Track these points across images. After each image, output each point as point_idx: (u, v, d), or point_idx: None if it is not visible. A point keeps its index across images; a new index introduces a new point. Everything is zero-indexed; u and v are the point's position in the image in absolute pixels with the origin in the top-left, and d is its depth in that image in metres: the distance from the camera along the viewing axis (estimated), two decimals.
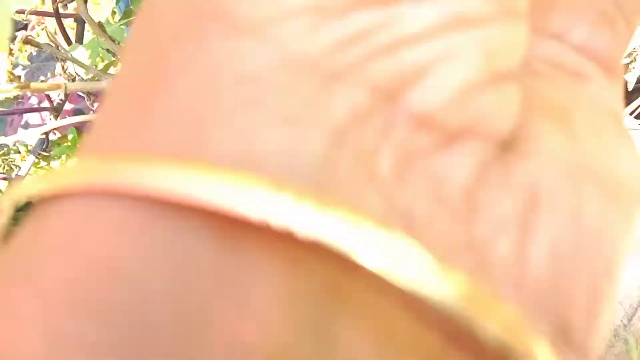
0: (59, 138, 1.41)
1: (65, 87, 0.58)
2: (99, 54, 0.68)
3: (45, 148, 1.05)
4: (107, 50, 0.65)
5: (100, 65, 0.68)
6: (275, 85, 0.08)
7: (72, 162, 0.09)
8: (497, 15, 0.09)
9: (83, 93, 1.27)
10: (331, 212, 0.07)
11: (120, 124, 0.09)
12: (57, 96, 1.14)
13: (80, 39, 0.97)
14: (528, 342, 0.08)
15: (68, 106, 1.23)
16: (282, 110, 0.08)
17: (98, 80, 0.55)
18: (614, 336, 0.64)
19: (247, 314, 0.07)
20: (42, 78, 1.08)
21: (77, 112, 1.24)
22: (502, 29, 0.09)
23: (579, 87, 0.10)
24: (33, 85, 0.51)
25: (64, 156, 1.33)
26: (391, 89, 0.08)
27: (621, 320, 0.65)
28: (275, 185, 0.07)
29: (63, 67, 0.60)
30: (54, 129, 1.00)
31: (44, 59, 1.09)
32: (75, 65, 0.63)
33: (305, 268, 0.08)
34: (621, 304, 0.66)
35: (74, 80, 0.66)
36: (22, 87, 0.49)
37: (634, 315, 0.65)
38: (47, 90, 0.56)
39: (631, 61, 0.76)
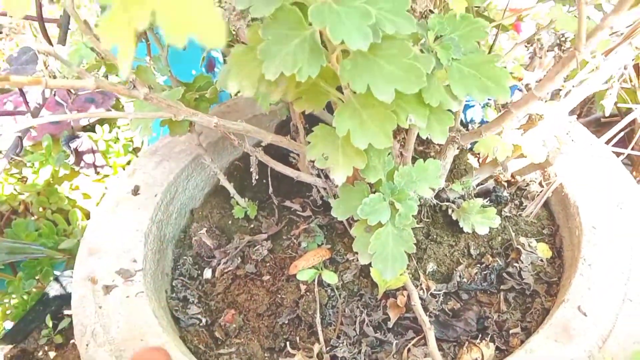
0: (33, 145, 1.38)
1: (46, 83, 0.56)
2: (80, 54, 0.67)
3: (18, 152, 1.02)
4: (92, 48, 0.64)
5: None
6: None
7: None
8: None
9: (61, 97, 1.25)
10: None
11: None
12: (34, 101, 1.12)
13: (62, 42, 0.96)
14: None
15: (45, 113, 1.20)
16: None
17: (79, 78, 0.53)
18: (588, 357, 0.64)
19: None
20: (22, 77, 1.05)
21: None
22: None
23: None
24: (13, 78, 0.49)
25: (36, 163, 1.30)
26: None
27: (596, 342, 0.65)
28: None
29: (45, 63, 0.59)
30: (29, 129, 0.99)
31: (24, 62, 1.08)
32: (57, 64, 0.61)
33: None
34: (596, 325, 0.66)
35: (54, 77, 0.65)
36: (1, 80, 0.48)
37: (608, 337, 0.66)
38: (27, 84, 0.54)
39: (608, 88, 0.78)
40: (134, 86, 0.62)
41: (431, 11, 0.68)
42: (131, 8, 0.26)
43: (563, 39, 0.93)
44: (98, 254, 0.84)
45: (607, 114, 0.80)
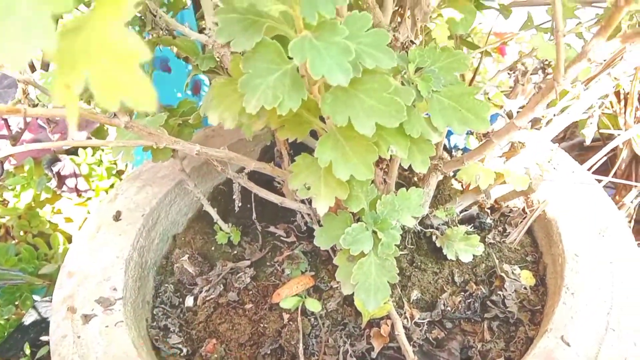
0: (15, 168, 1.36)
1: (25, 112, 0.56)
2: None
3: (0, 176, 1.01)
4: None
5: None
6: None
7: None
8: None
9: (43, 121, 1.24)
10: None
11: None
12: (16, 125, 1.10)
13: (46, 66, 0.96)
14: None
15: (27, 136, 1.19)
16: None
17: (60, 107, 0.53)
18: None
19: None
20: (1, 105, 1.04)
21: (37, 142, 1.20)
22: None
23: None
24: None
25: (18, 186, 1.28)
26: None
27: None
28: None
29: (24, 91, 0.59)
30: (10, 155, 0.97)
31: (6, 86, 1.06)
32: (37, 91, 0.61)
33: None
34: (579, 356, 0.66)
35: (35, 106, 0.64)
36: None
37: None
38: (6, 113, 0.54)
39: (589, 117, 0.79)
40: (115, 114, 0.61)
41: (412, 42, 0.69)
42: (66, 73, 0.26)
43: (547, 62, 0.95)
44: (78, 281, 0.83)
45: (587, 143, 0.80)
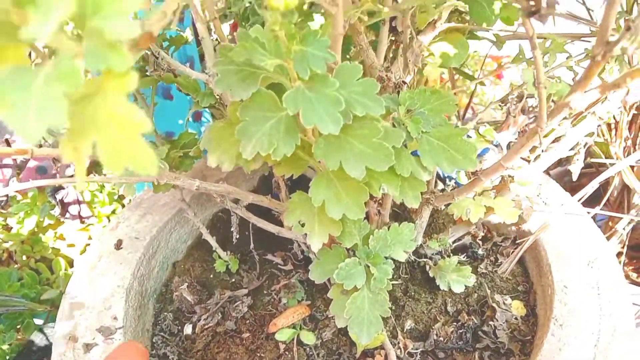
0: (19, 192, 1.39)
1: (32, 152, 0.59)
2: None
3: (3, 204, 1.03)
4: None
5: None
6: None
7: None
8: None
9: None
10: None
11: None
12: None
13: None
14: None
15: (32, 163, 1.22)
16: None
17: None
18: None
19: None
20: (6, 136, 1.08)
21: (41, 169, 1.23)
22: None
23: None
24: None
25: (22, 213, 1.31)
26: None
27: None
28: None
29: None
30: (16, 176, 1.00)
31: None
32: None
33: None
34: None
35: (41, 146, 0.67)
36: None
37: None
38: (14, 154, 0.57)
39: (575, 154, 0.81)
40: None
41: (404, 82, 0.72)
42: (75, 138, 0.29)
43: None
44: (79, 310, 0.85)
45: (575, 178, 0.83)
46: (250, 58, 0.47)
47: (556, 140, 0.76)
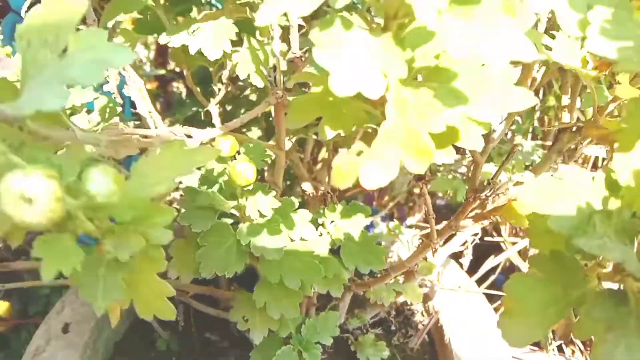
0: None
1: None
2: None
3: None
4: None
5: None
6: None
7: None
8: None
9: None
10: None
11: None
12: None
13: None
14: None
15: None
16: None
17: None
18: None
19: None
20: None
21: None
22: None
23: None
24: None
25: None
26: None
27: None
28: None
29: None
30: None
31: None
32: None
33: None
34: None
35: None
36: None
37: None
38: None
39: (465, 248, 1.00)
40: None
41: (329, 192, 0.88)
42: (113, 295, 0.41)
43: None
44: None
45: (464, 270, 1.01)
46: (213, 203, 0.60)
47: (450, 238, 0.95)
